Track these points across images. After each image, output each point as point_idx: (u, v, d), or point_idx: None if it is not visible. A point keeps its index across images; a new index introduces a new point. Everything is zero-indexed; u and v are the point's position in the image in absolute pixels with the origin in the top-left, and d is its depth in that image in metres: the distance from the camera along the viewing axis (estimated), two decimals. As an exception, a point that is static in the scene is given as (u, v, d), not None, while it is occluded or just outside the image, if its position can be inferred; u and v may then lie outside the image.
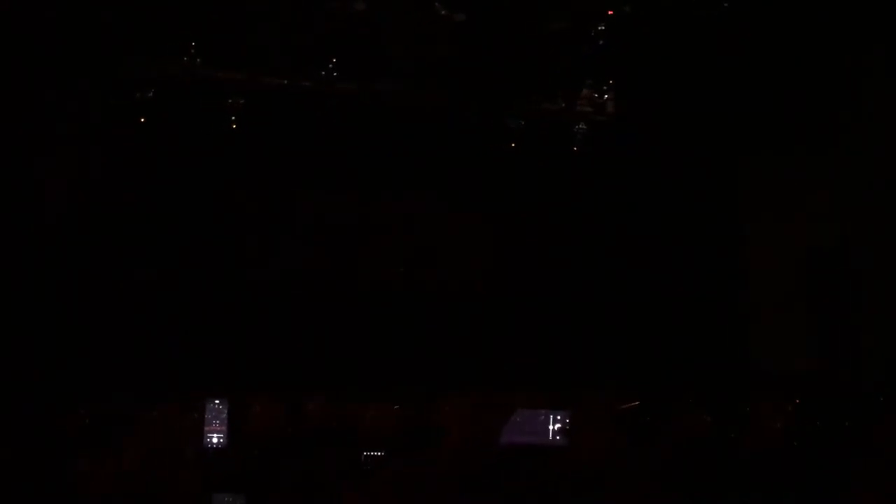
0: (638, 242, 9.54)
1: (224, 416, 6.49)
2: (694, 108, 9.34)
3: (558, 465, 7.13)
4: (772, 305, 9.24)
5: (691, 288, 9.44)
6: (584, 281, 9.43)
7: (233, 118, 8.97)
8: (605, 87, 9.25)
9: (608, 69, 9.18)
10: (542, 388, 8.09)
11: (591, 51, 8.83)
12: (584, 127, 9.34)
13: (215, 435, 6.30)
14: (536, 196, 9.53)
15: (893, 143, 8.47)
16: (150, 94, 8.72)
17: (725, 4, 8.23)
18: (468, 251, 9.49)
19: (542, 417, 6.90)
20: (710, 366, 8.87)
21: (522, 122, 9.28)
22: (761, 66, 8.94)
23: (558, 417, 6.88)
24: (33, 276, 7.81)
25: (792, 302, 9.06)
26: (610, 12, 8.50)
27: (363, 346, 8.72)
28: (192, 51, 8.72)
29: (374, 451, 6.70)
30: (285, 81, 8.98)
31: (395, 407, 7.42)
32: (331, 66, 8.92)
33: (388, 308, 9.02)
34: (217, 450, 6.57)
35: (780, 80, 9.01)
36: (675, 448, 7.88)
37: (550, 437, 6.88)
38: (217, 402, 6.32)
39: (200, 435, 6.64)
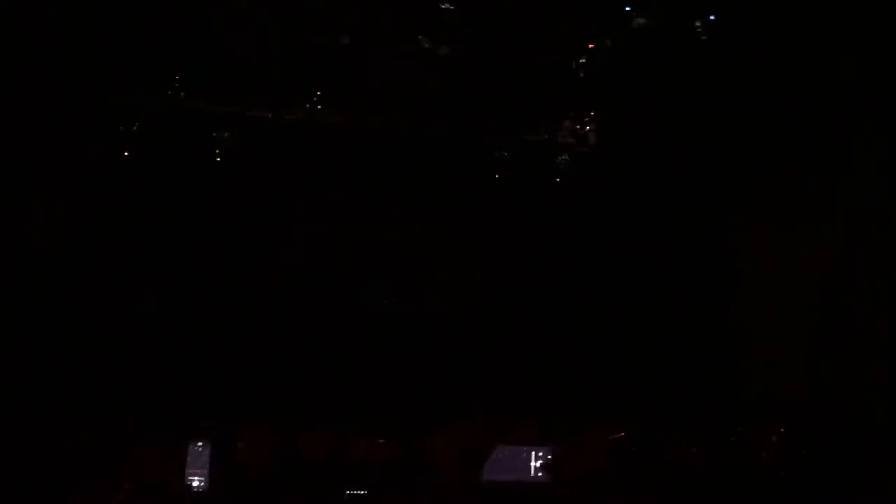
0: (625, 272, 9.57)
1: (209, 452, 6.47)
2: (676, 139, 9.40)
3: (547, 498, 7.13)
4: (759, 335, 9.27)
5: (679, 318, 9.47)
6: (573, 311, 9.45)
7: (217, 151, 8.99)
8: (586, 119, 9.32)
9: (590, 101, 9.26)
10: (531, 418, 8.11)
11: (572, 84, 8.91)
12: (567, 158, 9.41)
13: (200, 471, 6.28)
14: (522, 227, 9.56)
15: (886, 171, 8.55)
16: (135, 128, 8.73)
17: (704, 38, 8.32)
18: (455, 282, 9.51)
19: (530, 451, 6.91)
20: (698, 395, 8.89)
21: (506, 154, 9.34)
22: (742, 96, 9.02)
23: (546, 450, 6.89)
24: (17, 314, 7.78)
25: (779, 331, 9.08)
26: (591, 46, 8.58)
27: (353, 376, 8.70)
28: (177, 84, 8.74)
29: (359, 490, 6.69)
30: (270, 115, 9.02)
31: (381, 441, 7.43)
32: (315, 98, 8.97)
33: (374, 338, 9.02)
34: (203, 485, 6.55)
35: (760, 110, 9.09)
36: (663, 476, 7.90)
37: (538, 471, 6.88)
38: (204, 439, 6.29)
39: (186, 469, 6.62)
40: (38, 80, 8.03)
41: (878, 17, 8.13)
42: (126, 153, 8.72)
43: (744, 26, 8.45)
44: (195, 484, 5.55)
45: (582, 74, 8.72)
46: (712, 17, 8.28)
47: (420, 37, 8.54)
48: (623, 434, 8.02)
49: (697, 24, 8.28)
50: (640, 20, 8.37)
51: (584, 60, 8.67)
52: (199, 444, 5.51)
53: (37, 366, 7.57)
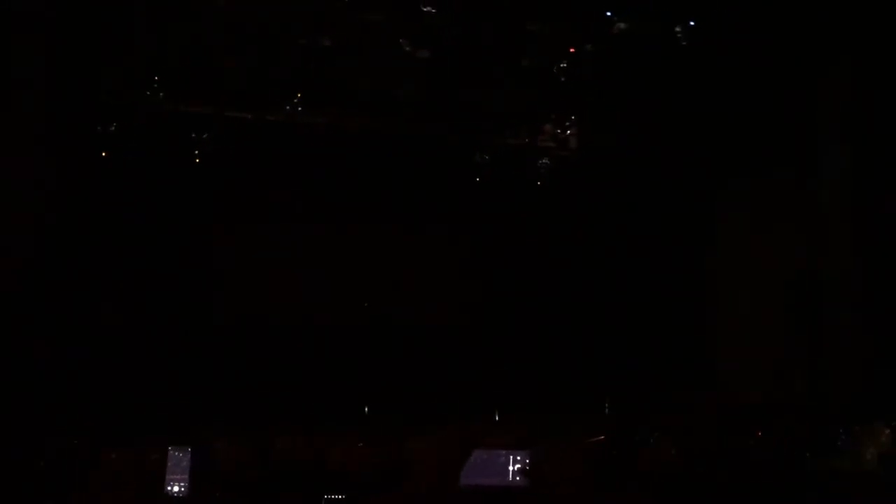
0: (605, 275, 9.58)
1: (189, 457, 6.43)
2: (657, 142, 9.44)
3: (526, 501, 7.14)
4: (737, 337, 9.32)
5: (658, 319, 9.50)
6: (552, 314, 9.46)
7: (196, 152, 8.94)
8: (567, 123, 9.35)
9: (571, 105, 9.28)
10: (510, 422, 8.10)
11: (553, 87, 8.92)
12: (548, 161, 9.43)
13: (180, 476, 6.23)
14: (503, 230, 9.56)
15: (859, 175, 8.67)
16: (113, 128, 8.67)
17: (684, 43, 8.38)
18: (435, 286, 9.49)
19: (509, 454, 6.90)
20: (677, 398, 8.91)
21: (487, 157, 9.34)
22: (721, 101, 9.08)
23: (525, 454, 6.87)
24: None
25: (757, 333, 9.14)
26: (572, 49, 8.61)
27: (332, 381, 8.66)
28: (155, 85, 8.69)
29: (337, 494, 6.66)
30: (250, 116, 8.98)
31: (361, 444, 7.41)
32: (296, 100, 8.94)
33: (353, 343, 8.98)
34: (184, 490, 6.51)
35: (741, 112, 9.15)
36: (643, 480, 7.92)
37: (517, 474, 6.88)
38: (182, 444, 6.24)
39: (164, 475, 6.57)
40: (20, 80, 7.95)
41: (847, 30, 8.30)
42: (104, 153, 8.66)
43: (724, 31, 8.51)
44: (175, 490, 5.50)
45: (563, 78, 8.75)
46: (692, 23, 8.33)
47: (402, 39, 8.53)
48: (604, 437, 8.03)
49: (678, 28, 8.34)
50: (621, 25, 8.41)
51: (564, 64, 8.70)
52: (179, 450, 5.46)
53: (15, 373, 7.48)
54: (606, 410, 8.99)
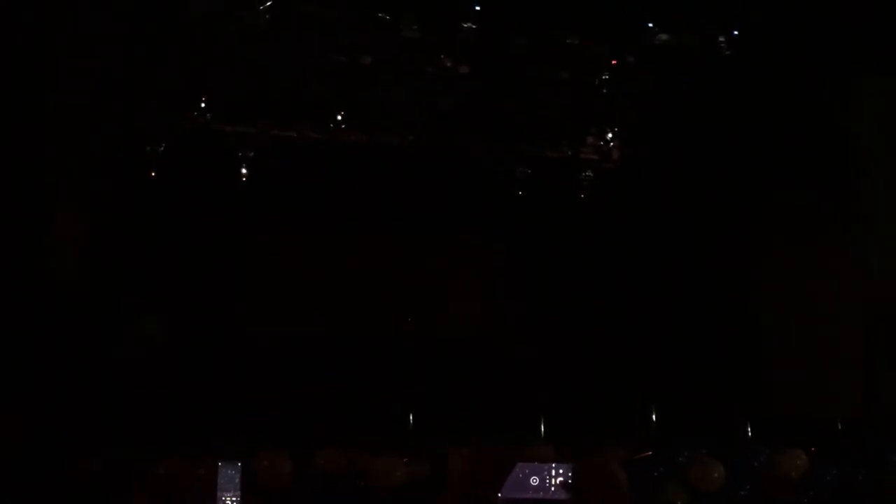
0: (650, 289, 9.48)
1: (234, 472, 6.44)
2: (699, 155, 9.33)
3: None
4: (786, 354, 9.15)
5: (704, 334, 9.36)
6: (595, 328, 9.37)
7: (243, 170, 9.06)
8: (610, 135, 9.29)
9: (613, 117, 9.23)
10: (553, 438, 8.03)
11: (595, 99, 8.89)
12: (591, 174, 9.37)
13: (232, 491, 6.23)
14: (545, 245, 9.51)
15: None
16: (161, 148, 8.82)
17: (727, 52, 8.29)
18: (475, 301, 9.47)
19: (551, 469, 6.81)
20: (724, 415, 8.77)
21: (529, 171, 9.33)
22: (765, 111, 8.96)
23: (567, 468, 6.77)
24: (44, 328, 7.83)
25: (806, 350, 8.97)
26: (614, 62, 8.57)
27: (370, 396, 8.67)
28: (202, 105, 8.83)
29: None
30: (294, 134, 9.09)
31: (405, 460, 7.39)
32: (339, 118, 9.03)
33: (395, 358, 8.99)
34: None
35: (785, 125, 9.02)
36: (690, 497, 7.78)
37: (559, 489, 6.78)
38: (226, 459, 6.25)
39: (210, 491, 6.60)
40: (64, 100, 8.12)
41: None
42: (152, 173, 8.81)
43: (767, 41, 8.40)
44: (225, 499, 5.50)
45: (605, 91, 8.71)
46: (735, 33, 8.25)
47: (443, 55, 8.57)
48: (650, 453, 7.91)
49: (721, 39, 8.25)
50: (663, 36, 8.35)
51: (606, 77, 8.66)
52: (229, 465, 5.47)
53: (59, 386, 7.60)
54: (653, 426, 8.87)
